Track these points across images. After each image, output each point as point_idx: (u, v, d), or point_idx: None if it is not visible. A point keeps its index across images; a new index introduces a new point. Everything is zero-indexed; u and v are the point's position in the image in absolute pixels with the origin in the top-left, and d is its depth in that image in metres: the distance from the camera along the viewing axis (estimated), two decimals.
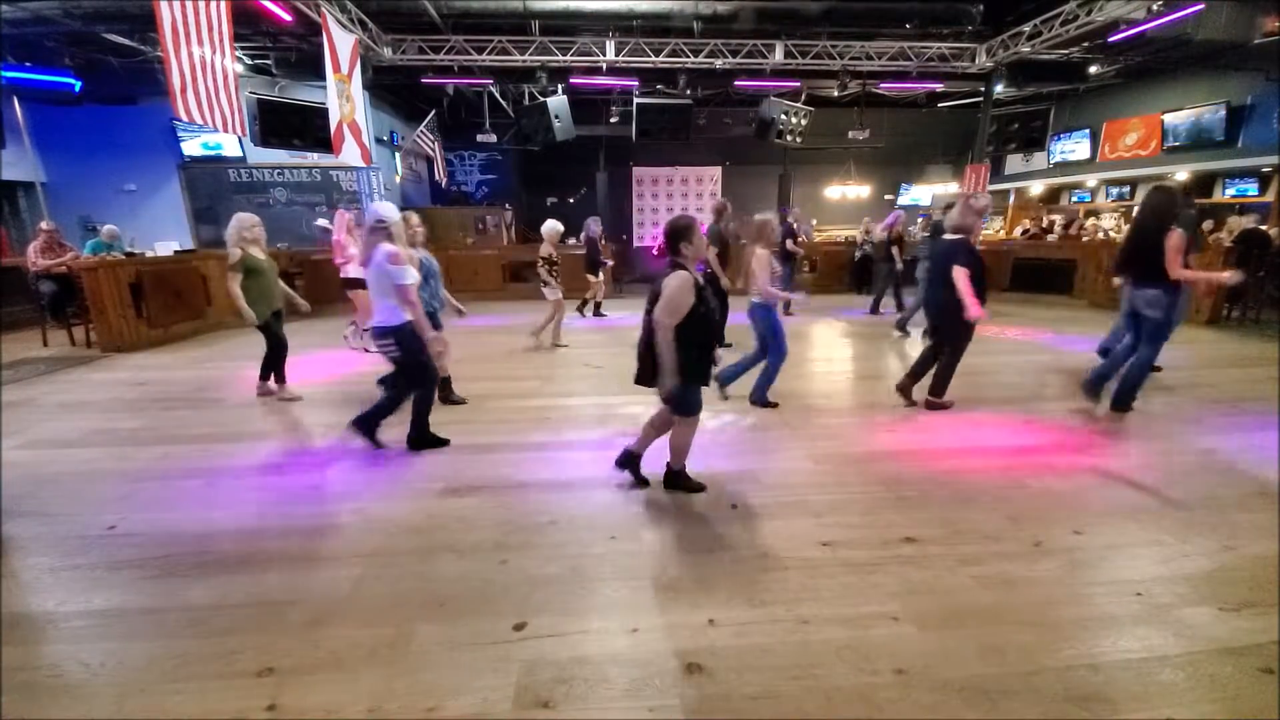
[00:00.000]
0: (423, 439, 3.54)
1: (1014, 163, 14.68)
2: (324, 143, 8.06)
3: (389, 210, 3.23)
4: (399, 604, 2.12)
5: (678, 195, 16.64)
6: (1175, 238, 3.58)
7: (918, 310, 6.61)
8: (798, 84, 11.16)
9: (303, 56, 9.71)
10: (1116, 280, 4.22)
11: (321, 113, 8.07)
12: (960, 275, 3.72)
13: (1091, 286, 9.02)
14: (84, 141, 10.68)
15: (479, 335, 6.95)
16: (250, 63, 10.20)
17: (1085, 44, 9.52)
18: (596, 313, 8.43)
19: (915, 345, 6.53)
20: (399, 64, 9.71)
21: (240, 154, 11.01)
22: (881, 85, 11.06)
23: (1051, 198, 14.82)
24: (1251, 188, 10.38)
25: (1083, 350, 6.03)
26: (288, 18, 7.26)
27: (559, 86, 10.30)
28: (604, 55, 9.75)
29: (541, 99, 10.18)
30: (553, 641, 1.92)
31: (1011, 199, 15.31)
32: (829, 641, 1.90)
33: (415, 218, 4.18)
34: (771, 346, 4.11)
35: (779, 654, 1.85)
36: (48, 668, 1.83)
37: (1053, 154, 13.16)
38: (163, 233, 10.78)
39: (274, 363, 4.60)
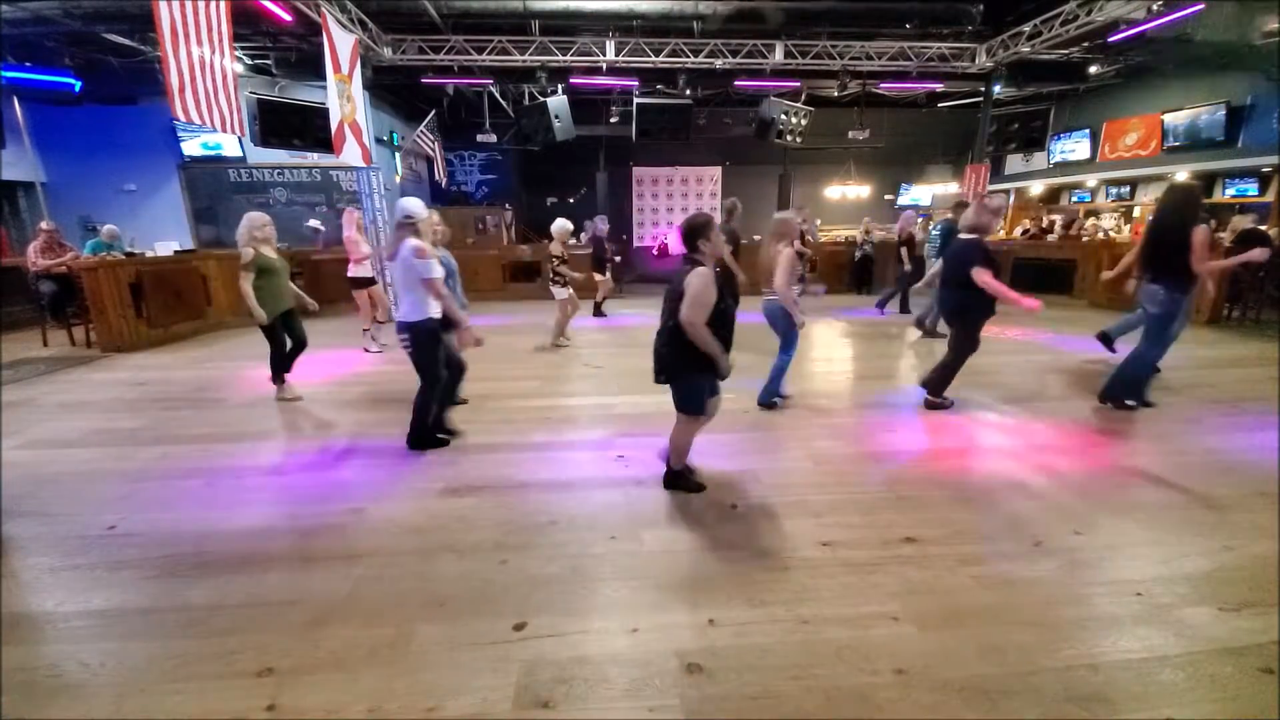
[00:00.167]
0: (422, 439, 3.54)
1: (1014, 163, 14.67)
2: (324, 143, 8.04)
3: (416, 205, 3.26)
4: (399, 604, 2.12)
5: (678, 195, 16.63)
6: (1201, 233, 3.59)
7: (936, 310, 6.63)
8: (798, 84, 11.15)
9: (303, 56, 9.71)
10: (1131, 282, 4.24)
11: (321, 113, 8.06)
12: (985, 276, 3.71)
13: (1091, 286, 9.01)
14: (84, 141, 10.68)
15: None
16: (250, 63, 10.20)
17: (1085, 44, 9.51)
18: (597, 312, 8.43)
19: (926, 343, 6.54)
20: (399, 64, 9.70)
21: (240, 154, 11.01)
22: (881, 85, 11.05)
23: (1051, 198, 14.81)
24: (1251, 188, 10.38)
25: (1083, 350, 6.03)
26: (288, 18, 7.25)
27: (559, 86, 10.29)
28: (604, 55, 9.74)
29: (541, 99, 10.17)
30: (553, 641, 1.92)
31: (1011, 199, 15.31)
32: (829, 641, 1.90)
33: (435, 216, 4.17)
34: (785, 343, 4.12)
35: (779, 654, 1.85)
36: (48, 668, 1.83)
37: (1053, 154, 13.16)
38: (163, 233, 10.76)
39: (284, 361, 4.59)
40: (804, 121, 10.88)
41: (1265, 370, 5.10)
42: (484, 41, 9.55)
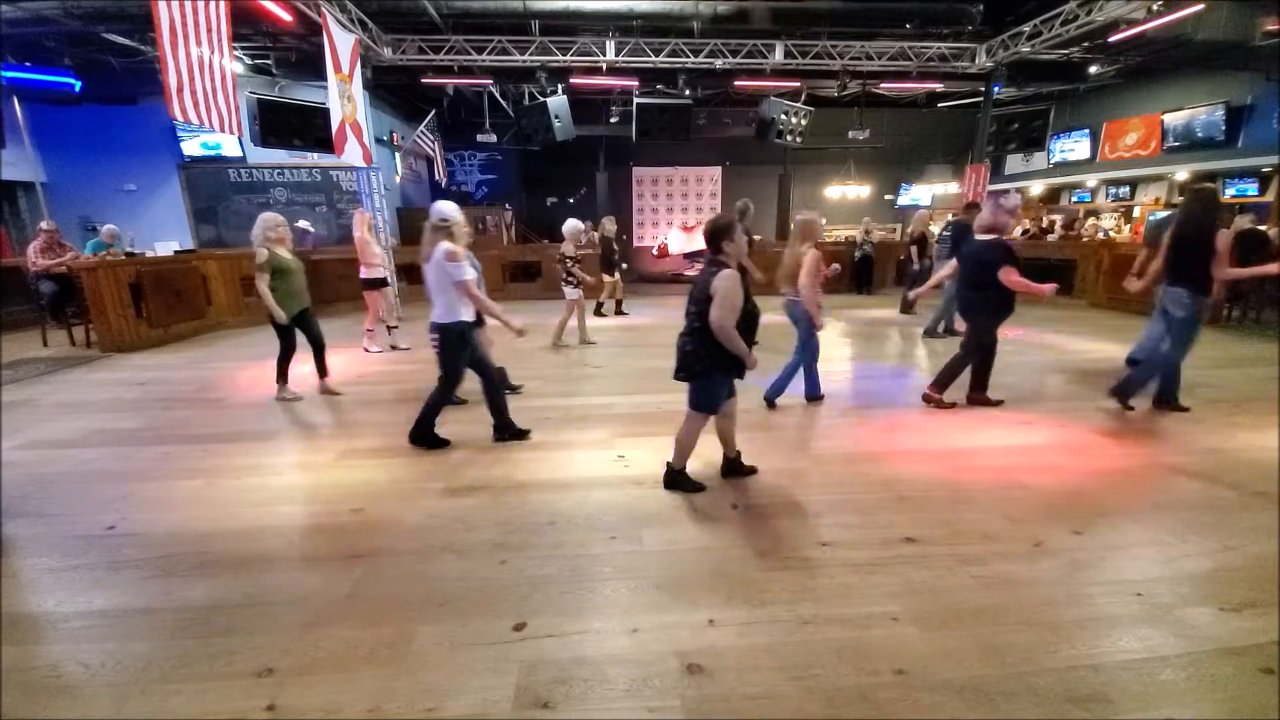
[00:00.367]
0: (423, 437, 3.55)
1: (1014, 163, 14.68)
2: (324, 142, 8.05)
3: (451, 209, 3.32)
4: (399, 604, 2.12)
5: (678, 195, 16.64)
6: (1225, 238, 3.60)
7: (950, 312, 6.64)
8: (798, 84, 11.16)
9: (303, 56, 9.71)
10: (1139, 283, 4.25)
11: (321, 112, 8.06)
12: (1013, 275, 3.76)
13: (1091, 287, 9.02)
14: (84, 141, 10.68)
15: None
16: (250, 63, 10.20)
17: (1085, 44, 9.52)
18: (598, 312, 8.43)
19: (929, 343, 6.54)
20: (399, 64, 9.70)
21: (240, 154, 11.01)
22: (881, 85, 11.06)
23: (1051, 198, 14.83)
24: (1251, 188, 10.38)
25: (1083, 350, 6.04)
26: (288, 18, 7.26)
27: (559, 86, 10.30)
28: (604, 55, 9.75)
29: (541, 99, 10.18)
30: (552, 642, 1.92)
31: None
32: (829, 641, 1.90)
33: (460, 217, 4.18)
34: (804, 344, 4.13)
35: (779, 654, 1.85)
36: (47, 668, 1.83)
37: (1052, 154, 13.17)
38: (163, 233, 10.79)
39: (314, 360, 4.61)
40: (804, 121, 10.88)
41: (1265, 370, 5.10)
42: (484, 41, 9.55)
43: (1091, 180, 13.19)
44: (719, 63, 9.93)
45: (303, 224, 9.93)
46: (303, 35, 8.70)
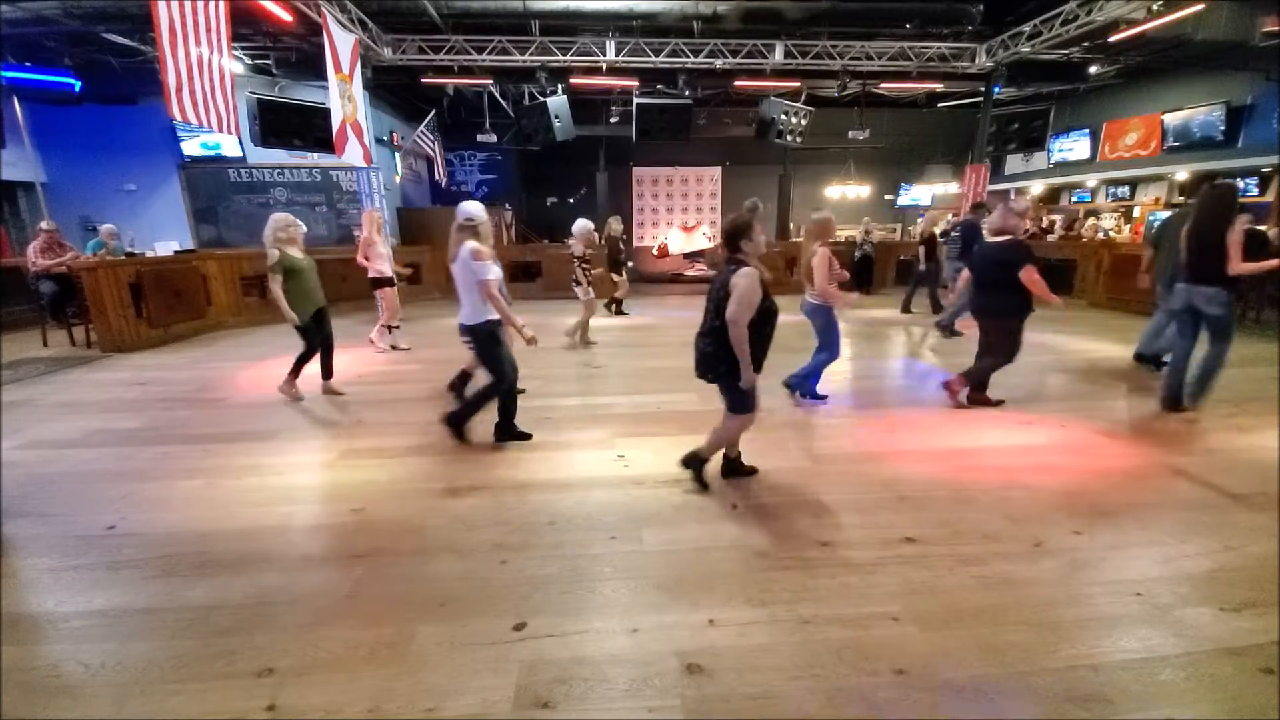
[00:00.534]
0: (461, 421, 3.59)
1: (1014, 163, 14.68)
2: (324, 142, 8.06)
3: (477, 209, 3.34)
4: (399, 604, 2.12)
5: (678, 195, 16.64)
6: (1238, 234, 3.62)
7: (962, 311, 6.64)
8: (798, 84, 11.16)
9: (303, 56, 9.70)
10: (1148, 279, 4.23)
11: (321, 112, 8.07)
12: (1034, 274, 3.78)
13: (1092, 287, 9.02)
14: (84, 141, 10.67)
15: None
16: (250, 63, 10.20)
17: (1085, 44, 9.52)
18: (618, 312, 8.46)
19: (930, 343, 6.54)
20: (399, 64, 9.71)
21: (240, 154, 11.01)
22: (881, 85, 11.06)
23: (1051, 198, 14.82)
24: (1251, 188, 10.38)
25: (1083, 350, 6.04)
26: (288, 18, 7.26)
27: (559, 86, 10.30)
28: (604, 55, 9.75)
29: (541, 99, 10.18)
30: (553, 642, 1.92)
31: (1013, 198, 15.33)
32: (829, 641, 1.90)
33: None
34: (825, 344, 4.15)
35: (779, 654, 1.85)
36: (47, 668, 1.83)
37: (1052, 154, 13.16)
38: (163, 233, 10.78)
39: (319, 359, 4.60)
40: (804, 121, 10.88)
41: (1265, 370, 5.10)
42: (484, 41, 9.56)
43: (1091, 180, 13.19)
44: (719, 63, 9.93)
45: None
46: (303, 35, 8.70)
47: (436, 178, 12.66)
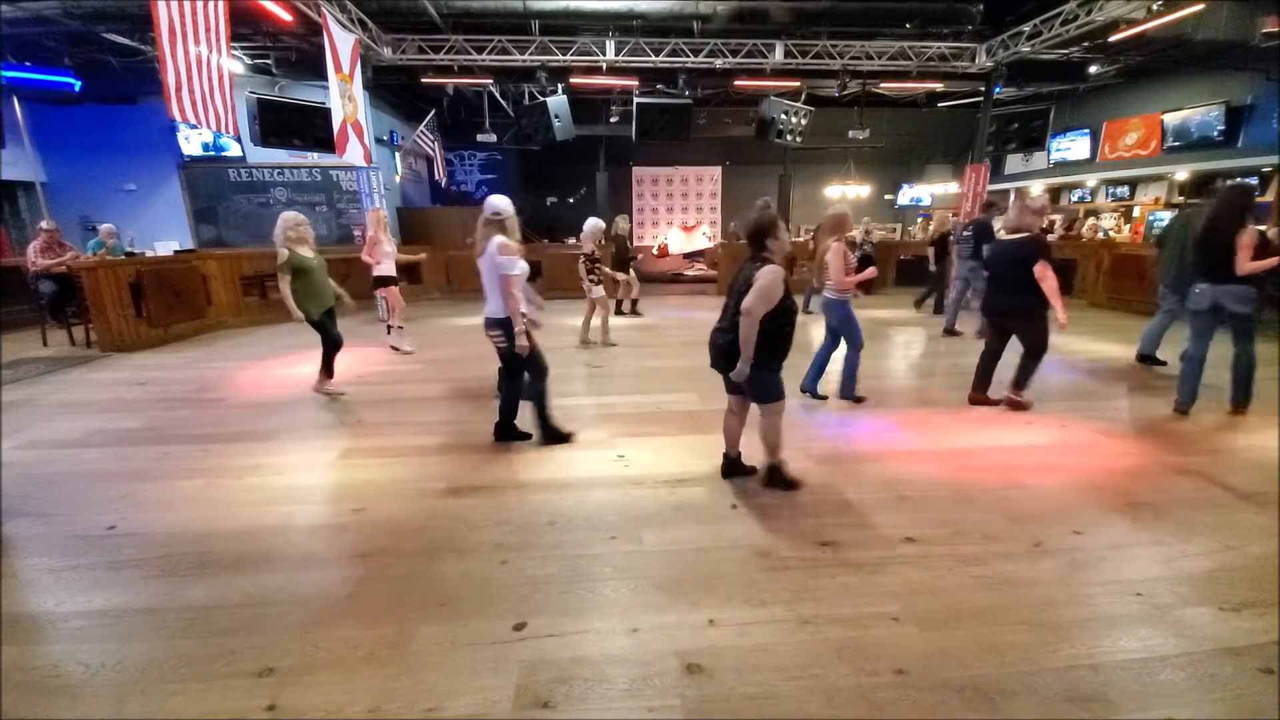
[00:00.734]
0: (508, 430, 3.60)
1: (1014, 162, 14.69)
2: (324, 142, 8.06)
3: (504, 203, 3.35)
4: (399, 604, 2.12)
5: (678, 195, 16.65)
6: (1249, 234, 3.61)
7: (955, 312, 6.67)
8: (798, 84, 11.16)
9: (303, 56, 9.71)
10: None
11: (321, 112, 8.07)
12: (1049, 272, 3.75)
13: (1092, 287, 9.01)
14: (84, 141, 10.68)
15: (479, 334, 6.93)
16: (250, 63, 10.20)
17: (1085, 44, 9.51)
18: (632, 311, 8.47)
19: (932, 343, 6.54)
20: (399, 64, 9.70)
21: (240, 154, 11.01)
22: (881, 85, 11.06)
23: (1051, 198, 14.82)
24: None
25: (1084, 350, 6.03)
26: (288, 18, 7.26)
27: (559, 86, 10.30)
28: (604, 55, 9.75)
29: (541, 99, 10.18)
30: (553, 641, 1.92)
31: (1011, 199, 15.32)
32: (829, 641, 1.90)
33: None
34: (848, 340, 4.17)
35: (779, 654, 1.85)
36: (47, 668, 1.83)
37: (1052, 154, 13.16)
38: (163, 232, 10.78)
39: (329, 356, 4.57)
40: (804, 121, 10.87)
41: (1265, 370, 5.08)
42: (484, 41, 9.55)
43: (1091, 180, 13.19)
44: (719, 63, 9.93)
45: None
46: (303, 35, 8.70)
47: (436, 177, 12.66)
